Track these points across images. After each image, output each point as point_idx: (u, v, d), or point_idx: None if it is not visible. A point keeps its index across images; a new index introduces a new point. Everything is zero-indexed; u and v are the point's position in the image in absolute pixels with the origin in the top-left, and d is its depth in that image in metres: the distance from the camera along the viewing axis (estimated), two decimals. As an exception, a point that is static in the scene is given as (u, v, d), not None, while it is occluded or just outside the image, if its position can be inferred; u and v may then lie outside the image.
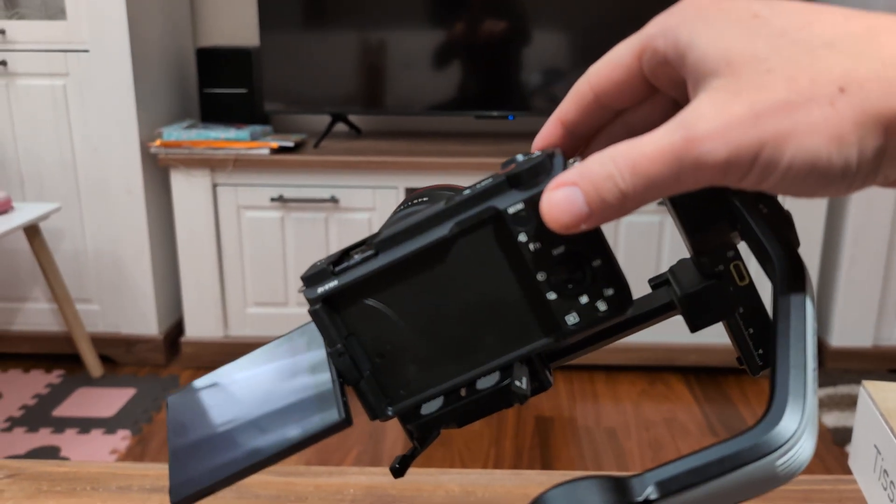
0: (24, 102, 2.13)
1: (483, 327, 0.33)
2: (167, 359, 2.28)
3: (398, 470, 0.34)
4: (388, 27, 2.25)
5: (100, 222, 2.19)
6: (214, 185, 2.14)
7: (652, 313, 0.37)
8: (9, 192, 2.11)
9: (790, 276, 0.29)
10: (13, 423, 1.96)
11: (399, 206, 0.38)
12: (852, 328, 2.19)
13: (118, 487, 0.80)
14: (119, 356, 2.27)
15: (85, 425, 1.95)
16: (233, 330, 2.23)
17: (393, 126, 2.52)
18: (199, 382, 0.37)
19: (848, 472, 0.78)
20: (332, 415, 0.32)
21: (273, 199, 2.13)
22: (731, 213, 0.32)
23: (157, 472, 0.82)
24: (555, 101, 2.30)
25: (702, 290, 0.34)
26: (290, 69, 2.28)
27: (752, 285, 0.34)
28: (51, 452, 1.83)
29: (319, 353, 0.34)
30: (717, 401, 2.04)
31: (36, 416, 1.99)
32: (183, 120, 2.36)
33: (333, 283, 0.32)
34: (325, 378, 0.33)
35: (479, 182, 0.32)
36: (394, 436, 1.89)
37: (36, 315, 2.25)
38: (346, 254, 0.33)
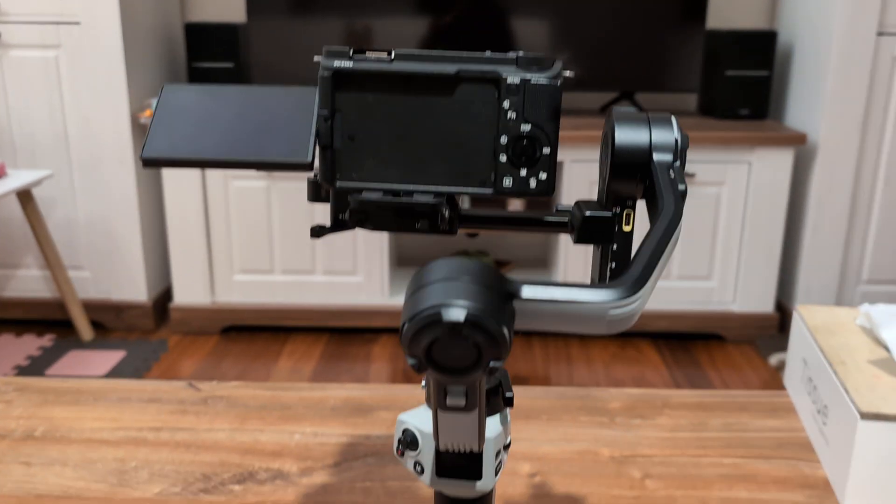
0: (17, 73, 2.18)
1: (439, 156, 0.40)
2: (156, 324, 2.35)
3: (316, 231, 0.42)
4: (373, 12, 2.30)
5: (91, 191, 2.25)
6: (202, 156, 2.20)
7: (549, 224, 0.47)
8: (2, 160, 2.16)
9: (673, 216, 0.38)
10: (7, 382, 2.02)
11: None
12: (815, 293, 2.28)
13: (118, 399, 0.87)
14: (109, 321, 2.34)
15: (77, 385, 2.01)
16: (220, 296, 2.30)
17: (377, 101, 2.58)
18: (199, 86, 0.42)
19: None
20: (302, 155, 0.39)
21: (260, 169, 2.19)
22: (648, 171, 0.41)
23: (154, 387, 0.89)
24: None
25: (599, 217, 0.43)
26: (276, 48, 2.33)
27: (631, 234, 0.43)
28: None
29: (307, 112, 0.40)
30: (686, 364, 2.14)
31: (28, 375, 2.05)
32: (171, 93, 2.41)
33: (348, 64, 0.39)
34: (305, 129, 0.40)
35: (488, 52, 0.40)
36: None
37: (28, 281, 2.31)
38: (361, 50, 0.40)
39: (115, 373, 2.08)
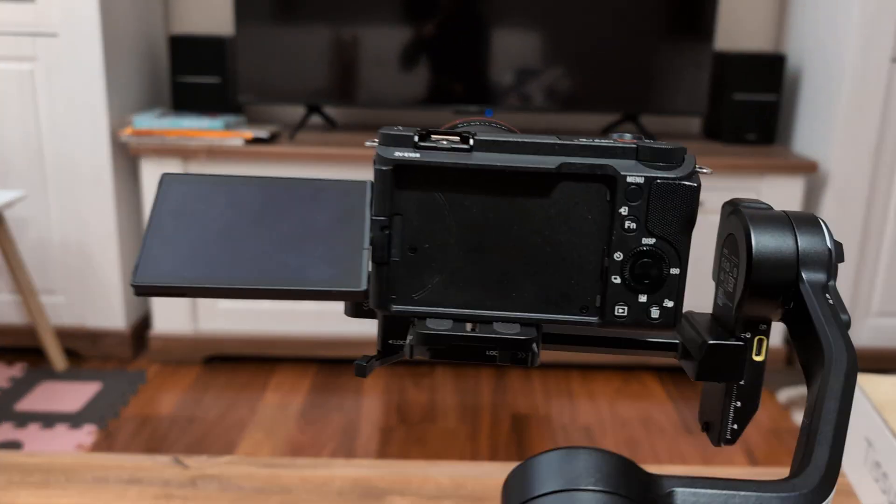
0: (-11, 87, 2.06)
1: (530, 274, 0.31)
2: (134, 353, 2.23)
3: (360, 369, 0.33)
4: (364, 21, 2.22)
5: (66, 211, 2.13)
6: (186, 176, 2.09)
7: (658, 345, 0.37)
8: (-29, 178, 2.04)
9: (848, 367, 0.29)
10: (-27, 417, 1.90)
11: (457, 123, 0.36)
12: (823, 328, 2.21)
13: (94, 479, 0.76)
14: (84, 350, 2.22)
15: (49, 420, 1.89)
16: (202, 324, 2.18)
17: (369, 119, 2.49)
18: (209, 178, 0.31)
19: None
20: (354, 281, 0.29)
21: (247, 191, 2.09)
22: (792, 292, 0.32)
23: (134, 463, 0.79)
24: (529, 98, 2.30)
25: (728, 346, 0.34)
26: (265, 60, 2.24)
27: (762, 365, 0.35)
28: (13, 448, 1.77)
29: (356, 216, 0.31)
30: (692, 399, 2.05)
31: (-3, 410, 1.93)
32: (154, 108, 2.31)
33: (414, 155, 0.30)
34: (355, 239, 0.30)
35: (598, 138, 0.30)
36: (368, 431, 1.86)
37: (-2, 306, 2.19)
38: (427, 134, 0.30)
39: (91, 407, 1.96)
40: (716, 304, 0.36)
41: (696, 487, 0.24)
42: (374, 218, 0.30)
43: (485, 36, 2.27)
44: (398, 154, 0.29)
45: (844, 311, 0.31)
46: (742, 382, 0.34)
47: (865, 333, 2.20)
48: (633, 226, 0.30)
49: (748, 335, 0.34)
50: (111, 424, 1.88)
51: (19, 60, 2.05)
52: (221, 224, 0.30)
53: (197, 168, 2.08)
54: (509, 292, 0.31)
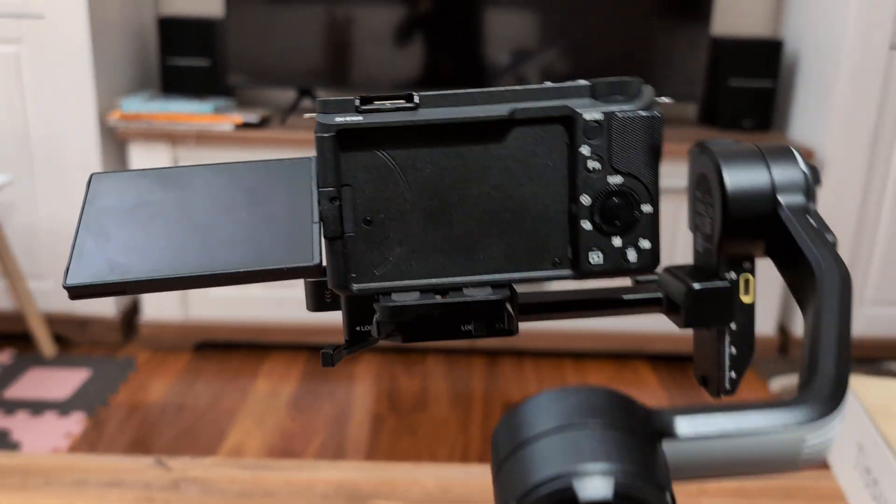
0: (-26, 69, 2.03)
1: (496, 233, 0.30)
2: (123, 339, 2.21)
3: (328, 358, 0.31)
4: (357, 1, 2.18)
5: (54, 196, 2.10)
6: (175, 160, 2.07)
7: (640, 301, 0.36)
8: (-43, 162, 2.01)
9: (841, 280, 0.28)
10: (-40, 404, 1.88)
11: None
12: (817, 317, 2.20)
13: (74, 481, 0.75)
14: (73, 336, 2.20)
15: (37, 407, 1.88)
16: (193, 311, 2.17)
17: (361, 104, 2.46)
18: (141, 172, 0.29)
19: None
20: (305, 256, 0.28)
21: (237, 176, 2.06)
22: (773, 222, 0.31)
23: (115, 464, 0.77)
24: (523, 80, 2.27)
25: (713, 289, 0.32)
26: (255, 41, 2.20)
27: (752, 307, 0.33)
28: (0, 436, 1.76)
29: (303, 192, 0.29)
30: (685, 388, 2.05)
31: (-15, 397, 1.92)
32: (142, 91, 2.28)
33: (356, 119, 0.29)
34: (303, 217, 0.29)
35: (548, 83, 0.29)
36: (359, 419, 1.85)
37: (-15, 292, 2.17)
38: (370, 98, 0.29)
39: (80, 394, 1.94)
40: (695, 251, 0.35)
41: (698, 413, 0.23)
42: (321, 190, 0.29)
43: (480, 16, 2.24)
44: (339, 119, 0.28)
45: (829, 231, 0.30)
46: (733, 327, 0.33)
47: (860, 323, 2.19)
48: (597, 165, 0.29)
49: (733, 275, 0.33)
50: (100, 412, 1.87)
51: (4, 43, 2.01)
52: (159, 216, 0.28)
53: (185, 153, 2.05)
54: (476, 255, 0.30)
